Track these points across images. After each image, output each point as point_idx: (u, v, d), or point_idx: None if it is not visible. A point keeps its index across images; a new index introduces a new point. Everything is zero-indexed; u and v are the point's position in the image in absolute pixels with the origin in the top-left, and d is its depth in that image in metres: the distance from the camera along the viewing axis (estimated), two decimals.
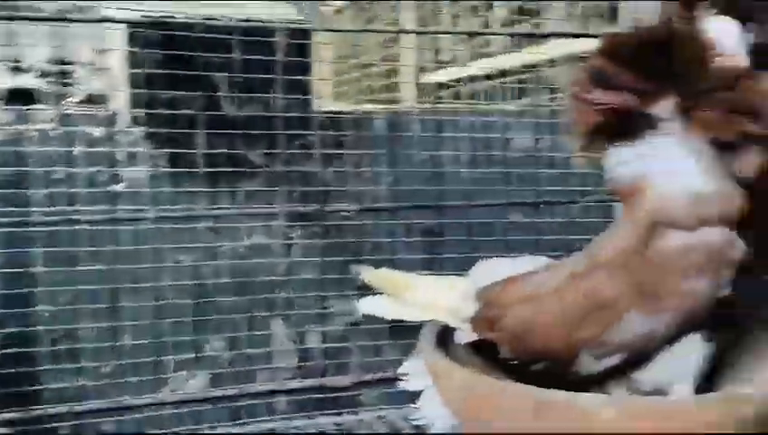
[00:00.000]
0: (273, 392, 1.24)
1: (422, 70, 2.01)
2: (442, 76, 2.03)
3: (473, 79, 1.76)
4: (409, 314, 0.99)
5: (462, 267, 1.24)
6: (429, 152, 1.39)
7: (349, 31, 1.26)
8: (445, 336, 0.90)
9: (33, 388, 1.11)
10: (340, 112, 1.36)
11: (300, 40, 1.28)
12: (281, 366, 1.33)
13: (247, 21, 1.15)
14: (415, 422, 1.08)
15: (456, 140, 1.41)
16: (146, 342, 1.15)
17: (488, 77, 1.74)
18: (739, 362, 0.88)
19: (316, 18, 1.27)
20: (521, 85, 1.67)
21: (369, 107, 1.68)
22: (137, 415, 1.24)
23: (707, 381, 0.82)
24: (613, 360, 0.76)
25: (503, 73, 1.62)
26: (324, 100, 1.47)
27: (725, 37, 0.76)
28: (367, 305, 1.08)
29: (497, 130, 1.41)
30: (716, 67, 0.74)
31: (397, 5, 1.88)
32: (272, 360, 1.27)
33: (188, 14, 1.15)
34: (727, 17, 0.76)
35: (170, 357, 1.26)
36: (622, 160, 0.86)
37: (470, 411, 0.76)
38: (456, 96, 1.98)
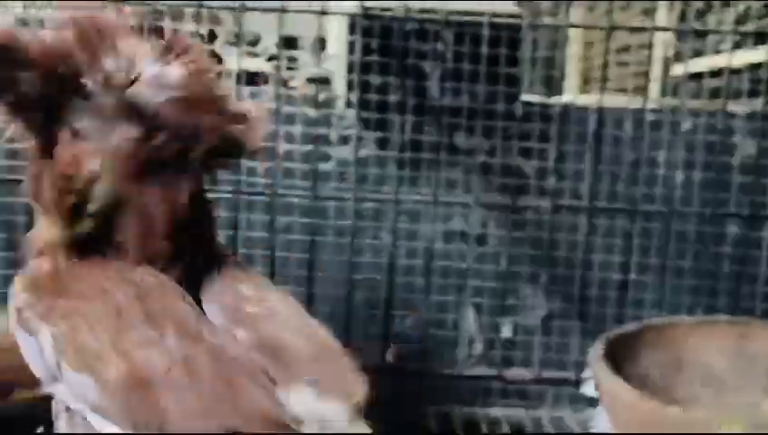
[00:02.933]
0: (454, 377, 1.28)
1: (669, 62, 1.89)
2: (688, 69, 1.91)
3: (714, 74, 1.65)
4: None
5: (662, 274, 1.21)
6: (643, 153, 1.34)
7: (568, 26, 1.24)
8: (615, 349, 0.88)
9: None
10: (546, 105, 1.35)
11: (511, 33, 1.29)
12: (466, 352, 1.36)
13: (458, 13, 1.18)
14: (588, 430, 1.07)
15: (674, 142, 1.35)
16: (339, 312, 1.24)
17: (714, 74, 1.62)
18: None
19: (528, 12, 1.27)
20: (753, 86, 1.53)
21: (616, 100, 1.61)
22: None
23: None
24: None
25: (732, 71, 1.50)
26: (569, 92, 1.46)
27: None
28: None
29: (721, 132, 1.33)
30: None
31: None
32: (458, 344, 1.30)
33: (407, 6, 1.20)
34: None
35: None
36: None
37: None
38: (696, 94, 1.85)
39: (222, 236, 1.33)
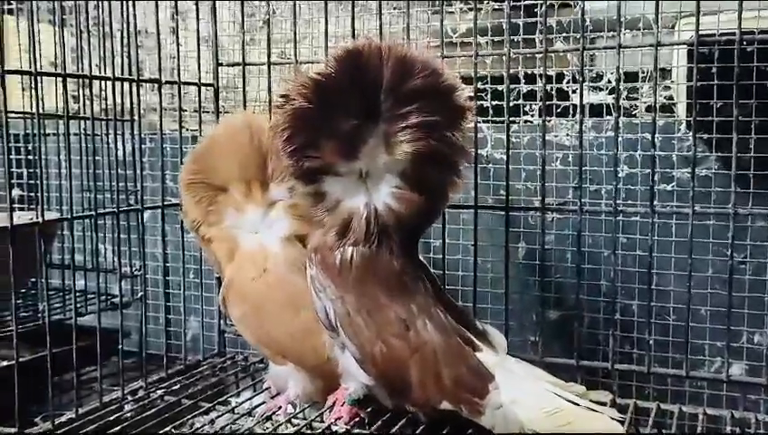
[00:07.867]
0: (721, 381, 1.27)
1: None
2: None
3: None
4: None
5: None
6: None
7: None
8: None
9: None
10: None
11: None
12: None
13: None
14: None
15: None
16: (682, 323, 1.30)
17: None
18: None
19: None
20: None
21: None
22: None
23: None
24: None
25: None
26: None
27: None
28: None
29: None
30: None
31: None
32: None
33: (749, 28, 1.23)
34: None
35: (706, 342, 1.40)
36: None
37: None
38: None
39: (570, 251, 1.49)
